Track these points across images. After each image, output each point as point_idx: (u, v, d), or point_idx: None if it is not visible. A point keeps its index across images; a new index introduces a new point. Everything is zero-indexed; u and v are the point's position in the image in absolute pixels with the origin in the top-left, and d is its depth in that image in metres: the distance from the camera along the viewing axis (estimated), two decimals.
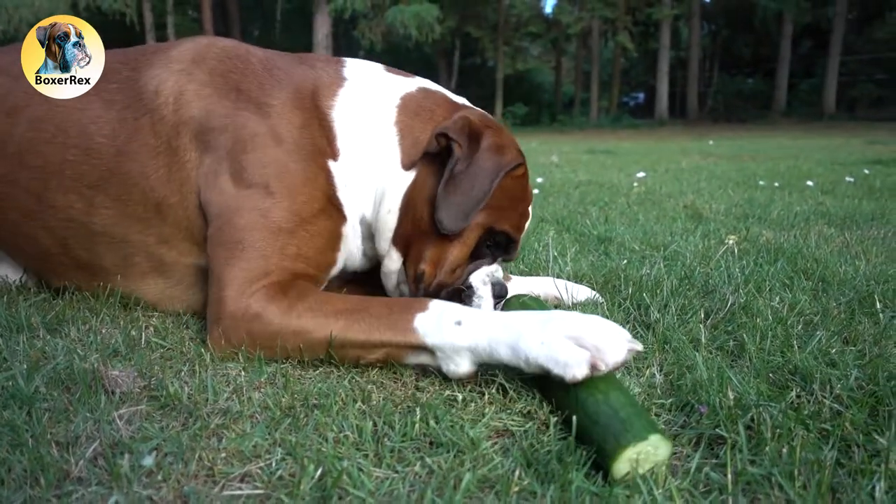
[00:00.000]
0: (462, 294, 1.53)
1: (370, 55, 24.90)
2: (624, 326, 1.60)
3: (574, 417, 1.03)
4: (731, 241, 2.26)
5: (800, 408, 1.15)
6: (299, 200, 1.47)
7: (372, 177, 1.56)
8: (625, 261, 2.31)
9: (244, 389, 1.22)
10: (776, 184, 5.22)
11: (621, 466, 0.94)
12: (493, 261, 1.61)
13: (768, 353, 1.41)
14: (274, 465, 0.97)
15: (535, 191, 4.78)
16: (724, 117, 29.71)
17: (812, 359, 1.36)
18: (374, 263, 1.71)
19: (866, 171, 6.16)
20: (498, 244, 1.59)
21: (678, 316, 1.66)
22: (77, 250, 1.67)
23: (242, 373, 1.31)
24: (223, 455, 1.00)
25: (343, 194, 1.54)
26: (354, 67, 1.66)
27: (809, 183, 5.16)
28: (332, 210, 1.53)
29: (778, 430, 1.06)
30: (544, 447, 1.03)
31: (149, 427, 1.07)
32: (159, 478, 0.94)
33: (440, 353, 1.25)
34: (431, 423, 1.09)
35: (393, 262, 1.58)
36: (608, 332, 1.11)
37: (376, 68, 1.69)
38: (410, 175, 1.53)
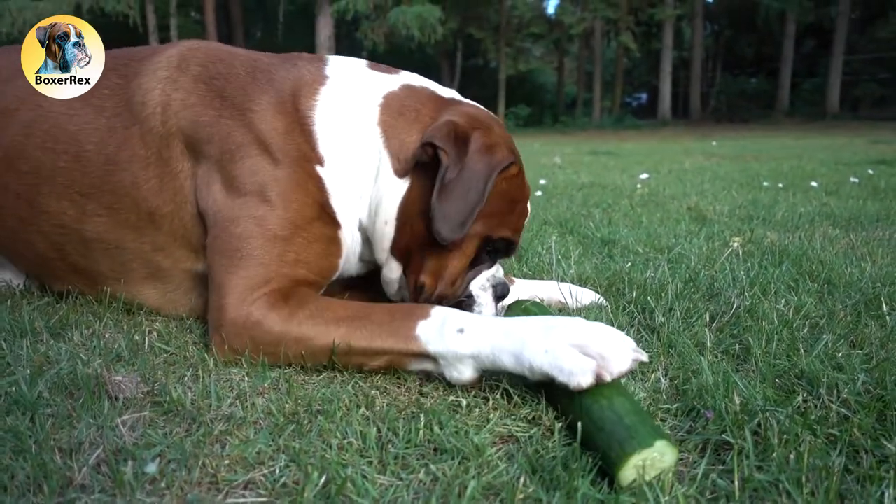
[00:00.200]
0: (462, 305, 1.52)
1: (373, 56, 24.88)
2: (628, 330, 1.60)
3: (579, 424, 1.03)
4: (735, 244, 2.25)
5: (807, 413, 1.14)
6: (292, 207, 1.45)
7: (361, 182, 1.52)
8: (629, 264, 2.30)
9: (247, 395, 1.22)
10: (780, 184, 5.20)
11: (627, 474, 0.93)
12: (493, 264, 1.59)
13: (774, 357, 1.40)
14: (277, 472, 0.97)
15: (538, 192, 4.78)
16: (727, 117, 29.65)
17: (818, 363, 1.35)
18: (371, 268, 1.70)
19: (870, 172, 6.13)
20: (497, 249, 1.57)
21: (683, 319, 1.65)
22: (73, 256, 1.67)
23: (246, 378, 1.30)
24: (227, 462, 0.99)
25: (335, 201, 1.51)
26: (336, 65, 1.61)
27: (813, 183, 5.15)
28: (326, 217, 1.51)
29: (785, 436, 1.05)
30: (549, 453, 1.03)
31: (152, 433, 1.07)
32: (162, 485, 0.93)
33: (443, 361, 1.24)
34: (436, 429, 1.09)
35: (392, 271, 1.56)
36: (613, 341, 1.10)
37: (359, 65, 1.64)
38: (404, 184, 1.49)
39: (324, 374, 1.34)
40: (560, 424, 1.09)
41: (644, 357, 1.10)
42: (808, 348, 1.44)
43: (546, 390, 1.21)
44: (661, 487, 0.92)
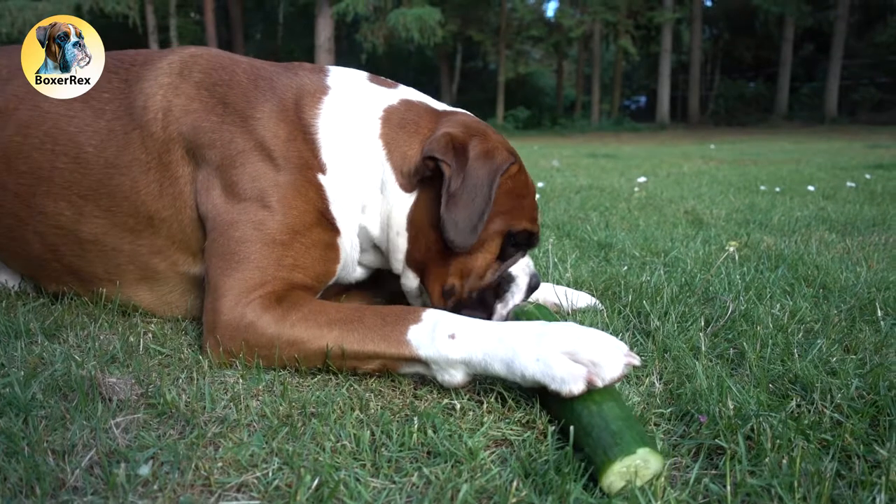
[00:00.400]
0: (501, 285, 1.56)
1: (372, 58, 24.96)
2: (624, 334, 1.60)
3: (571, 428, 1.03)
4: (731, 248, 2.26)
5: (800, 418, 1.15)
6: (292, 213, 1.47)
7: (364, 192, 1.55)
8: (625, 267, 2.30)
9: (242, 397, 1.22)
10: (777, 189, 5.21)
11: (610, 480, 0.93)
12: (524, 254, 1.64)
13: (768, 362, 1.41)
14: (271, 474, 0.97)
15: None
16: (725, 121, 29.68)
17: (812, 368, 1.35)
18: (372, 274, 1.71)
19: (868, 176, 6.14)
20: (520, 242, 1.60)
21: (678, 324, 1.66)
22: (69, 257, 1.67)
23: (240, 380, 1.30)
24: (220, 465, 0.99)
25: (335, 208, 1.53)
26: (338, 76, 1.64)
27: (811, 188, 5.16)
28: (326, 223, 1.53)
29: (778, 441, 1.06)
30: (542, 457, 1.03)
31: (145, 436, 1.07)
32: (155, 487, 0.93)
33: (434, 366, 1.25)
34: (429, 432, 1.09)
35: (410, 280, 1.59)
36: (605, 347, 1.10)
37: (360, 77, 1.67)
38: (411, 198, 1.52)
39: (318, 377, 1.34)
40: (553, 428, 1.09)
41: (637, 361, 1.11)
42: (802, 353, 1.44)
43: (539, 394, 1.21)
44: (654, 492, 0.93)
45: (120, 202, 1.57)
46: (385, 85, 1.67)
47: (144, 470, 0.96)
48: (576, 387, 1.07)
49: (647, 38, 30.92)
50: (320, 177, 1.51)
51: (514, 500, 0.91)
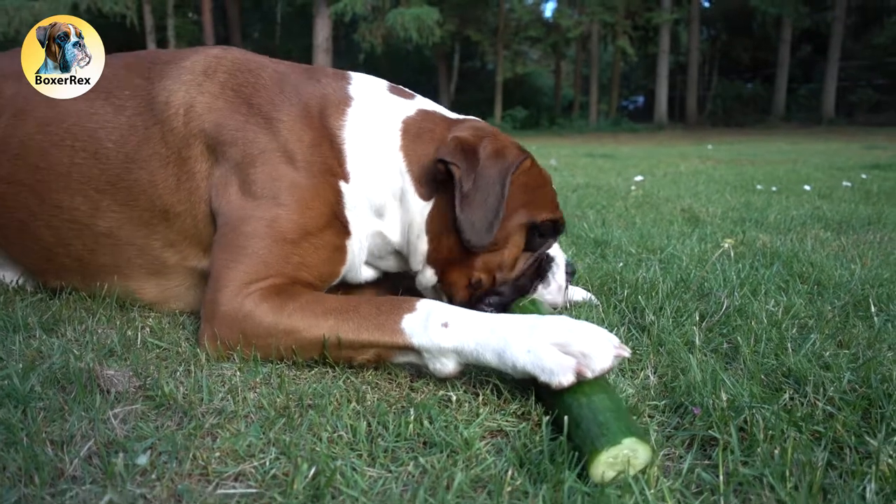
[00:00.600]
0: (542, 264, 1.62)
1: (370, 58, 24.95)
2: (619, 328, 1.61)
3: (565, 418, 1.04)
4: (726, 245, 2.27)
5: (793, 410, 1.16)
6: (308, 215, 1.49)
7: (382, 201, 1.58)
8: (621, 264, 2.31)
9: (239, 389, 1.23)
10: (774, 188, 5.23)
11: (598, 470, 0.94)
12: (554, 241, 1.67)
13: (762, 356, 1.42)
14: (268, 464, 0.98)
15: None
16: (723, 122, 29.74)
17: (806, 361, 1.36)
18: (381, 276, 1.74)
19: (864, 176, 6.17)
20: (546, 232, 1.63)
21: (673, 318, 1.67)
22: (80, 250, 1.69)
23: (238, 373, 1.31)
24: (217, 454, 1.00)
25: (350, 213, 1.56)
26: (360, 85, 1.66)
27: (807, 187, 5.18)
28: (339, 225, 1.55)
29: (770, 432, 1.07)
30: (537, 447, 1.04)
31: (143, 426, 1.07)
32: (153, 476, 0.94)
33: (426, 354, 1.26)
34: (425, 423, 1.10)
35: (427, 279, 1.62)
36: (595, 339, 1.12)
37: (380, 87, 1.69)
38: (429, 204, 1.55)
39: (315, 370, 1.35)
40: (547, 419, 1.10)
41: (627, 353, 1.12)
42: (796, 347, 1.45)
43: (534, 386, 1.22)
44: (647, 481, 0.94)
45: (137, 196, 1.60)
46: (403, 96, 1.70)
47: (142, 459, 0.97)
48: (565, 378, 1.08)
49: (645, 38, 30.97)
50: (343, 184, 1.55)
51: (508, 488, 0.92)
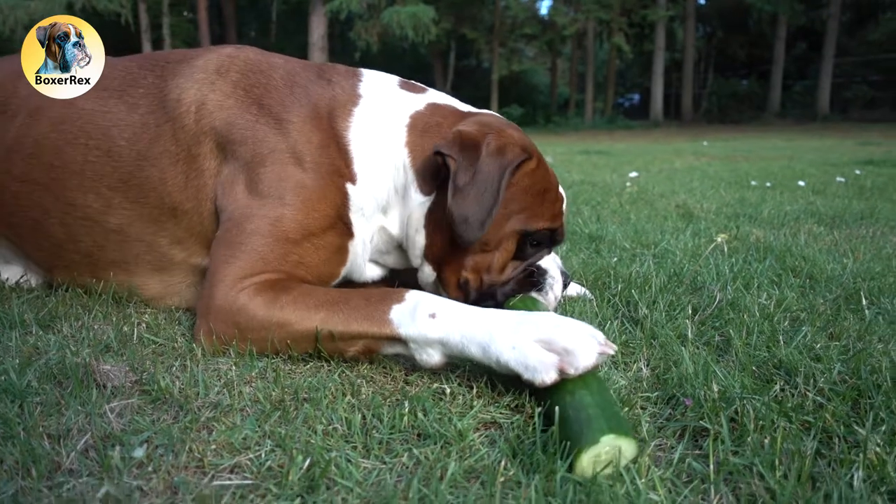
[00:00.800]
0: (534, 276, 1.57)
1: (366, 56, 24.90)
2: (612, 322, 1.62)
3: (556, 409, 1.04)
4: (719, 239, 2.29)
5: (783, 401, 1.17)
6: (312, 217, 1.49)
7: (387, 198, 1.58)
8: (615, 259, 2.33)
9: (235, 383, 1.23)
10: (768, 184, 5.25)
11: (581, 468, 0.94)
12: (548, 252, 1.64)
13: (754, 348, 1.43)
14: (263, 456, 0.99)
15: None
16: (718, 118, 29.80)
17: (797, 353, 1.37)
18: (387, 274, 1.74)
19: (857, 172, 6.20)
20: (541, 241, 1.60)
21: (666, 312, 1.68)
22: (90, 246, 1.70)
23: (233, 367, 1.32)
24: (213, 447, 1.01)
25: (355, 215, 1.57)
26: (370, 83, 1.66)
27: (801, 183, 5.20)
28: (342, 226, 1.56)
29: (761, 422, 1.08)
30: (530, 438, 1.05)
31: (140, 420, 1.08)
32: (150, 469, 0.95)
33: (413, 344, 1.27)
34: (420, 415, 1.11)
35: (426, 274, 1.62)
36: (579, 336, 1.12)
37: (391, 84, 1.69)
38: (430, 198, 1.55)
39: (311, 364, 1.36)
40: (539, 410, 1.11)
41: (611, 350, 1.12)
42: (787, 340, 1.47)
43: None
44: (638, 471, 0.95)
45: (147, 193, 1.61)
46: (414, 90, 1.69)
47: (139, 452, 0.97)
48: (547, 376, 1.09)
49: (641, 36, 31.02)
50: (349, 186, 1.55)
51: (501, 479, 0.93)
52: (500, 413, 1.16)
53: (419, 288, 1.61)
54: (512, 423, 1.12)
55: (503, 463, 0.96)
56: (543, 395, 1.11)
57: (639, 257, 2.35)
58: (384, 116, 1.59)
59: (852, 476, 0.94)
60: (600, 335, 1.14)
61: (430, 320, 1.24)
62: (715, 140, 15.70)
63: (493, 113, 1.70)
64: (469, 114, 1.64)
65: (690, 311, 1.68)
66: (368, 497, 0.90)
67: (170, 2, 24.05)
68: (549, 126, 27.20)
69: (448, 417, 1.11)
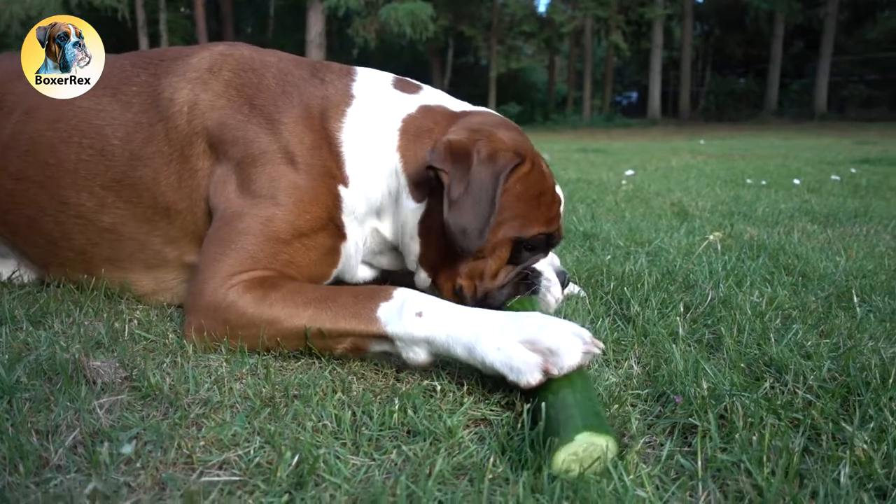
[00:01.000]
0: (528, 278, 1.55)
1: (364, 53, 24.87)
2: (604, 319, 1.62)
3: (543, 405, 1.04)
4: (712, 237, 2.29)
5: (773, 398, 1.18)
6: (303, 217, 1.49)
7: (379, 202, 1.57)
8: (609, 256, 2.33)
9: (225, 380, 1.23)
10: (763, 182, 5.26)
11: (558, 466, 0.94)
12: (546, 253, 1.62)
13: (745, 346, 1.44)
14: (252, 452, 0.99)
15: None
16: (715, 117, 29.84)
17: (787, 351, 1.38)
18: (379, 275, 1.74)
19: (853, 170, 6.21)
20: (536, 246, 1.57)
21: (658, 310, 1.68)
22: (83, 244, 1.70)
23: (224, 364, 1.32)
24: (202, 443, 1.01)
25: (347, 217, 1.56)
26: (363, 83, 1.64)
27: (796, 181, 5.21)
28: (333, 228, 1.55)
29: (750, 419, 1.09)
30: (519, 435, 1.05)
31: (129, 416, 1.08)
32: (138, 465, 0.95)
33: (399, 343, 1.26)
34: (409, 412, 1.11)
35: (421, 280, 1.60)
36: (563, 336, 1.12)
37: (385, 84, 1.66)
38: (423, 205, 1.53)
39: (302, 360, 1.36)
40: (528, 406, 1.11)
41: (596, 350, 1.12)
42: (778, 337, 1.47)
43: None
44: (626, 468, 0.95)
45: (141, 193, 1.60)
46: (408, 90, 1.66)
47: (127, 449, 0.97)
48: (532, 377, 1.09)
49: (638, 33, 31.01)
50: (341, 188, 1.54)
51: (490, 475, 0.93)
52: (490, 410, 1.16)
53: (411, 286, 1.61)
54: (502, 419, 1.12)
55: (492, 460, 0.97)
56: (530, 393, 1.12)
57: (632, 255, 2.36)
58: (377, 119, 1.57)
59: (839, 473, 0.95)
60: (586, 334, 1.14)
61: (416, 319, 1.24)
62: (712, 138, 15.71)
63: (487, 111, 1.68)
64: (461, 114, 1.61)
65: (682, 309, 1.68)
66: (356, 494, 0.90)
67: None
68: (547, 124, 27.20)
69: (438, 414, 1.11)
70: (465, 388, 1.23)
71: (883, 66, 29.41)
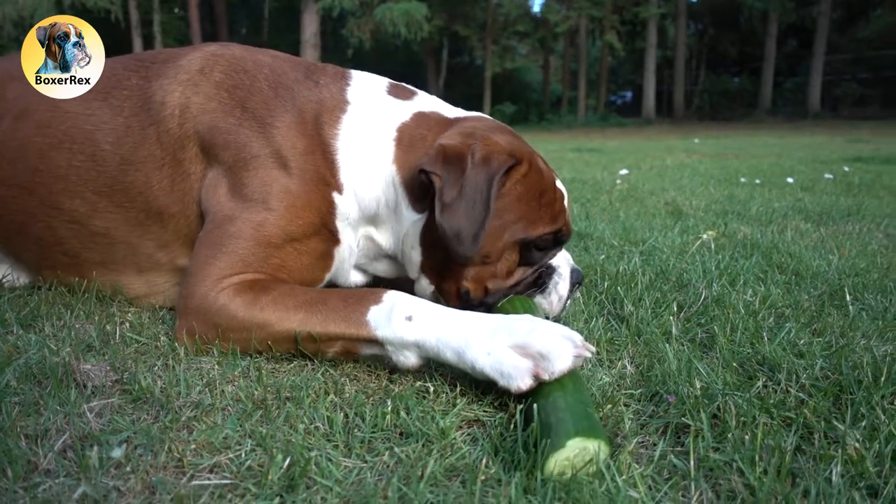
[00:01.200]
0: (542, 275, 1.53)
1: (358, 53, 24.83)
2: (598, 319, 1.62)
3: (535, 406, 1.04)
4: (705, 236, 2.29)
5: (765, 397, 1.18)
6: (295, 223, 1.47)
7: (375, 211, 1.56)
8: (603, 256, 2.33)
9: (217, 383, 1.23)
10: (757, 181, 5.27)
11: (549, 471, 0.93)
12: (555, 252, 1.59)
13: (738, 345, 1.44)
14: (243, 455, 0.98)
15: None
16: (710, 116, 29.91)
17: (780, 350, 1.38)
18: (371, 280, 1.72)
19: (846, 169, 6.24)
20: (544, 245, 1.54)
21: (652, 309, 1.68)
22: (75, 247, 1.69)
23: (216, 366, 1.31)
24: (193, 447, 1.00)
25: (340, 223, 1.54)
26: (358, 88, 1.62)
27: (790, 180, 5.22)
28: (326, 233, 1.54)
29: (742, 419, 1.09)
30: (512, 436, 1.05)
31: (119, 420, 1.07)
32: (128, 469, 0.94)
33: (389, 346, 1.26)
34: (402, 413, 1.11)
35: (422, 287, 1.58)
36: (554, 340, 1.11)
37: (379, 89, 1.64)
38: (424, 215, 1.51)
39: (295, 363, 1.36)
40: (521, 406, 1.11)
41: (587, 354, 1.11)
42: (771, 336, 1.47)
43: None
44: (618, 468, 0.95)
45: (133, 197, 1.59)
46: (402, 97, 1.64)
47: (117, 452, 0.97)
48: (522, 383, 1.08)
49: (633, 33, 31.07)
50: (335, 195, 1.52)
51: (482, 477, 0.93)
52: (484, 411, 1.15)
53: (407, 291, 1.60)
54: (495, 420, 1.12)
55: (484, 461, 0.96)
56: (522, 396, 1.11)
57: (626, 255, 2.36)
58: (373, 128, 1.55)
59: (831, 472, 0.94)
60: (577, 337, 1.13)
61: (406, 323, 1.23)
62: (706, 137, 15.75)
63: (482, 115, 1.67)
64: (456, 120, 1.60)
65: (676, 308, 1.68)
66: (348, 496, 0.89)
67: None
68: (542, 123, 27.22)
69: (431, 416, 1.11)
70: (459, 389, 1.23)
71: (875, 64, 29.55)
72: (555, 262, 1.57)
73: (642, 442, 1.07)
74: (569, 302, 1.63)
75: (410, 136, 1.55)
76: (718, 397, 1.15)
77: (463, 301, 1.53)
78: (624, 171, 6.21)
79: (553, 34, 29.19)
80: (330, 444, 1.03)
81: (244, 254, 1.43)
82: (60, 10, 20.18)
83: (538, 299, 1.55)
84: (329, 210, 1.52)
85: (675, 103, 30.04)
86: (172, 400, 1.15)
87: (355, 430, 1.06)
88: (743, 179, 5.38)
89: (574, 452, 0.94)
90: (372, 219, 1.58)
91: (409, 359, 1.25)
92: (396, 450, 1.00)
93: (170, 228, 1.59)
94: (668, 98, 32.42)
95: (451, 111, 1.66)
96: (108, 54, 1.78)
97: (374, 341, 1.27)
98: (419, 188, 1.49)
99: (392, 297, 1.30)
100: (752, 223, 3.18)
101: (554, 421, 0.99)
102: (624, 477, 0.93)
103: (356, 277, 1.70)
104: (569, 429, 0.96)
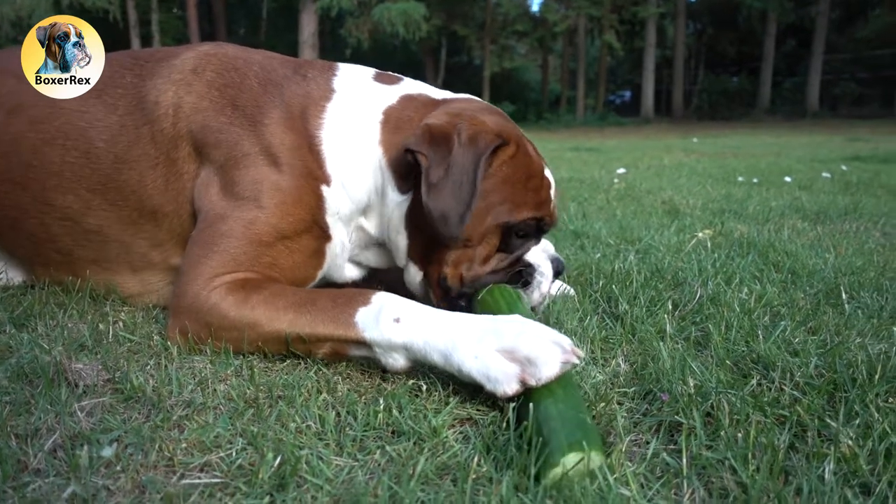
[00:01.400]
0: (523, 273, 1.53)
1: (357, 53, 24.82)
2: (592, 317, 1.62)
3: (530, 405, 1.03)
4: (701, 235, 2.29)
5: (759, 395, 1.17)
6: (286, 220, 1.47)
7: (364, 199, 1.55)
8: (598, 255, 2.33)
9: (209, 382, 1.22)
10: (755, 180, 5.27)
11: (555, 480, 0.92)
12: (537, 241, 1.59)
13: (733, 343, 1.43)
14: (234, 454, 0.98)
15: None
16: (709, 115, 29.93)
17: (775, 348, 1.38)
18: (367, 273, 1.72)
19: (844, 168, 6.24)
20: (526, 232, 1.54)
21: (647, 307, 1.68)
22: (68, 245, 1.69)
23: (209, 365, 1.31)
24: (184, 445, 1.00)
25: (331, 217, 1.54)
26: (344, 77, 1.62)
27: (788, 179, 5.22)
28: (317, 230, 1.53)
29: (736, 417, 1.08)
30: (505, 434, 1.04)
31: (110, 419, 1.07)
32: (118, 468, 0.94)
33: (377, 348, 1.25)
34: (394, 412, 1.10)
35: (412, 275, 1.58)
36: (542, 345, 1.09)
37: (365, 77, 1.64)
38: (408, 196, 1.51)
39: (288, 361, 1.35)
40: (513, 405, 1.10)
41: (576, 359, 1.09)
42: (766, 334, 1.47)
43: None
44: (610, 466, 0.94)
45: (127, 196, 1.59)
46: (388, 82, 1.64)
47: (108, 452, 0.96)
48: (509, 388, 1.07)
49: (632, 32, 31.09)
50: (324, 188, 1.52)
51: (473, 475, 0.92)
52: (476, 409, 1.15)
53: (403, 288, 1.60)
54: (487, 419, 1.11)
55: (476, 459, 0.96)
56: (513, 399, 1.09)
57: (622, 253, 2.35)
58: (357, 113, 1.55)
59: (824, 469, 0.94)
60: (566, 341, 1.11)
61: (394, 325, 1.22)
62: (705, 137, 15.75)
63: (470, 97, 1.66)
64: (443, 101, 1.59)
65: (671, 307, 1.68)
66: (338, 495, 0.89)
67: None
68: (541, 123, 27.21)
69: (423, 414, 1.10)
70: (451, 387, 1.22)
71: (874, 64, 29.57)
72: (534, 259, 1.57)
73: (635, 440, 1.06)
74: (553, 290, 1.63)
75: (397, 118, 1.54)
76: (712, 395, 1.15)
77: (442, 289, 1.53)
78: (621, 170, 6.21)
79: (552, 34, 29.18)
80: (321, 442, 1.02)
81: (236, 252, 1.42)
82: (59, 10, 20.16)
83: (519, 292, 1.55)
84: (318, 205, 1.52)
85: (674, 103, 30.05)
86: (164, 399, 1.14)
87: (347, 429, 1.06)
88: (741, 178, 5.38)
89: (571, 465, 0.92)
90: (363, 210, 1.57)
91: (398, 361, 1.24)
92: (388, 448, 1.00)
93: (164, 227, 1.59)
94: (666, 97, 32.44)
95: (439, 93, 1.65)
96: (106, 54, 1.78)
97: (363, 343, 1.26)
98: (405, 168, 1.49)
99: (381, 298, 1.29)
100: (749, 222, 3.17)
101: (546, 431, 0.97)
102: (616, 475, 0.93)
103: (351, 272, 1.69)
104: (561, 443, 0.94)
